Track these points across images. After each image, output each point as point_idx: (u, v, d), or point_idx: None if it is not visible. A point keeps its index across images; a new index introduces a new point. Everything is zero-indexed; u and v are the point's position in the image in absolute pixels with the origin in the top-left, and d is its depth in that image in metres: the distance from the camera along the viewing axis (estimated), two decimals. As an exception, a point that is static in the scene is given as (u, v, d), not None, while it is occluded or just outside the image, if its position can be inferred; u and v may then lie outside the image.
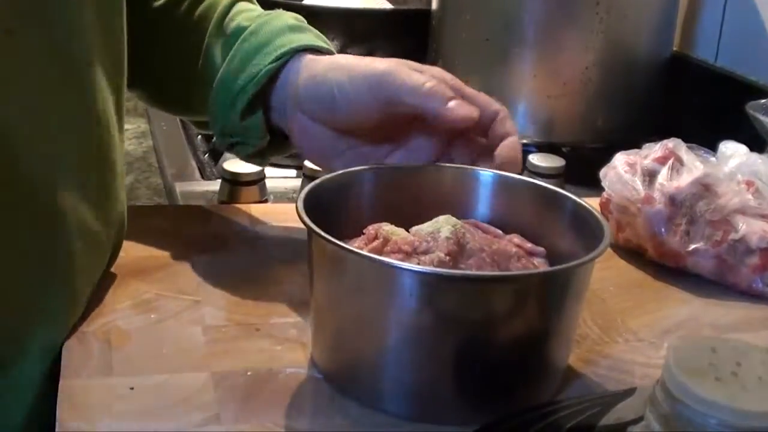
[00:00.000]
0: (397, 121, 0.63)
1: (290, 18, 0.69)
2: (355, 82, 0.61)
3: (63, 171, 0.54)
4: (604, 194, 0.73)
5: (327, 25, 1.10)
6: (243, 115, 0.65)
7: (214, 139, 0.70)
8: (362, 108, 0.62)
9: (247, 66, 0.65)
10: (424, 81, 0.61)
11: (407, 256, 0.52)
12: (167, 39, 0.71)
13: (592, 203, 0.57)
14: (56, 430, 0.47)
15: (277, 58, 0.64)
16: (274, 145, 0.68)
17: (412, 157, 0.64)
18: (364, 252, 0.51)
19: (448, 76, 0.63)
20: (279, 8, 0.69)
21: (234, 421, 0.48)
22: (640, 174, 0.70)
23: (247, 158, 0.70)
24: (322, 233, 0.49)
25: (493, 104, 0.64)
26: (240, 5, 0.71)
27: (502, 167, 0.61)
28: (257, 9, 0.72)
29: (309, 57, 0.65)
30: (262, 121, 0.66)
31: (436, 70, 0.64)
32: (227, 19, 0.69)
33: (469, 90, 0.63)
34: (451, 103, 0.60)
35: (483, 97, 0.64)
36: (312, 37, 0.67)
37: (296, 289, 0.63)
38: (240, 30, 0.68)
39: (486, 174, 0.62)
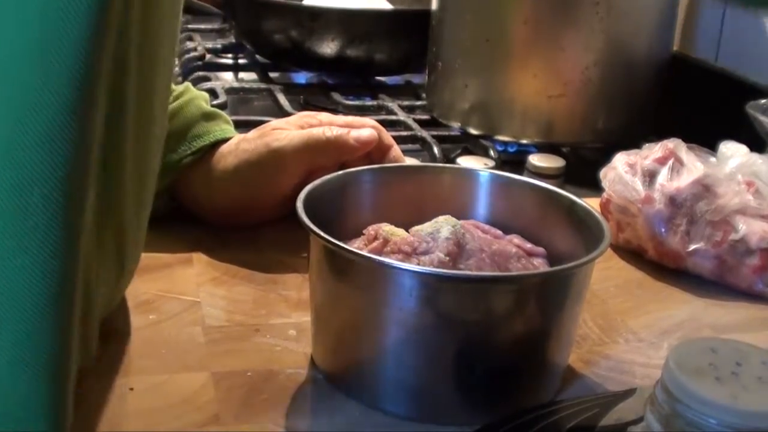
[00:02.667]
0: (302, 177, 0.68)
1: (203, 101, 0.73)
2: (265, 170, 0.67)
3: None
4: (604, 194, 0.73)
5: (327, 25, 1.10)
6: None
7: None
8: (277, 189, 0.68)
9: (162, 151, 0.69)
10: (321, 135, 0.67)
11: (407, 256, 0.52)
12: None
13: (592, 203, 0.57)
14: (56, 430, 0.47)
15: (196, 152, 0.69)
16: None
17: None
18: (364, 252, 0.51)
19: (322, 117, 0.71)
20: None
21: (234, 421, 0.48)
22: (640, 174, 0.70)
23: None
24: (322, 233, 0.49)
25: (366, 121, 0.71)
26: None
27: None
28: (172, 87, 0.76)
29: (220, 150, 0.70)
30: (168, 201, 0.70)
31: (307, 115, 0.73)
32: None
33: (338, 117, 0.72)
34: (353, 135, 0.68)
35: (356, 119, 0.72)
36: (222, 124, 0.72)
37: (296, 289, 0.63)
38: None
39: (486, 174, 0.62)
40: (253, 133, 0.70)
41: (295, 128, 0.70)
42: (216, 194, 0.69)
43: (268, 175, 0.68)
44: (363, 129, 0.69)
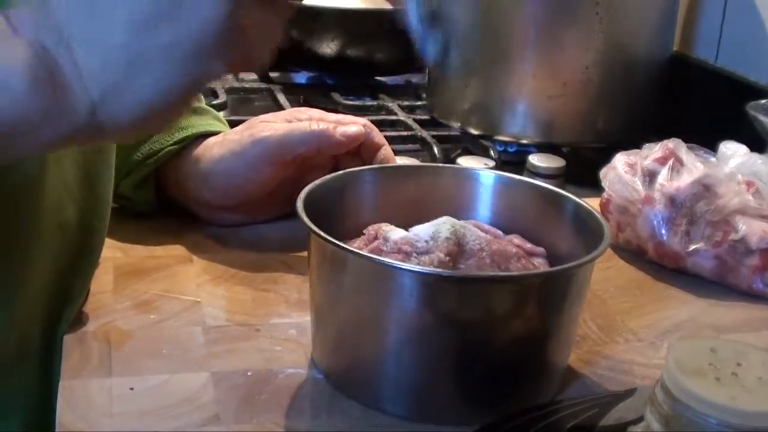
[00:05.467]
0: (289, 171, 0.69)
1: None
2: (249, 160, 0.67)
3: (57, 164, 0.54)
4: (605, 195, 0.73)
5: (327, 25, 1.10)
6: (137, 185, 0.70)
7: None
8: (261, 180, 0.68)
9: (146, 140, 0.70)
10: (306, 126, 0.68)
11: (407, 256, 0.52)
12: None
13: (592, 203, 0.57)
14: (56, 430, 0.47)
15: (178, 142, 0.69)
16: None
17: None
18: (364, 252, 0.51)
19: (313, 113, 0.71)
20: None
21: (234, 421, 0.48)
22: (640, 174, 0.70)
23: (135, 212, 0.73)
24: (322, 233, 0.49)
25: (358, 120, 0.70)
26: None
27: None
28: None
29: (206, 142, 0.70)
30: (152, 192, 0.71)
31: (297, 110, 0.73)
32: None
33: (329, 114, 0.71)
34: (339, 129, 0.68)
35: (347, 117, 0.71)
36: (210, 119, 0.73)
37: (296, 289, 0.63)
38: None
39: (486, 174, 0.62)
40: (241, 126, 0.70)
41: (282, 122, 0.70)
42: (202, 185, 0.69)
43: (251, 165, 0.67)
44: (350, 125, 0.69)
